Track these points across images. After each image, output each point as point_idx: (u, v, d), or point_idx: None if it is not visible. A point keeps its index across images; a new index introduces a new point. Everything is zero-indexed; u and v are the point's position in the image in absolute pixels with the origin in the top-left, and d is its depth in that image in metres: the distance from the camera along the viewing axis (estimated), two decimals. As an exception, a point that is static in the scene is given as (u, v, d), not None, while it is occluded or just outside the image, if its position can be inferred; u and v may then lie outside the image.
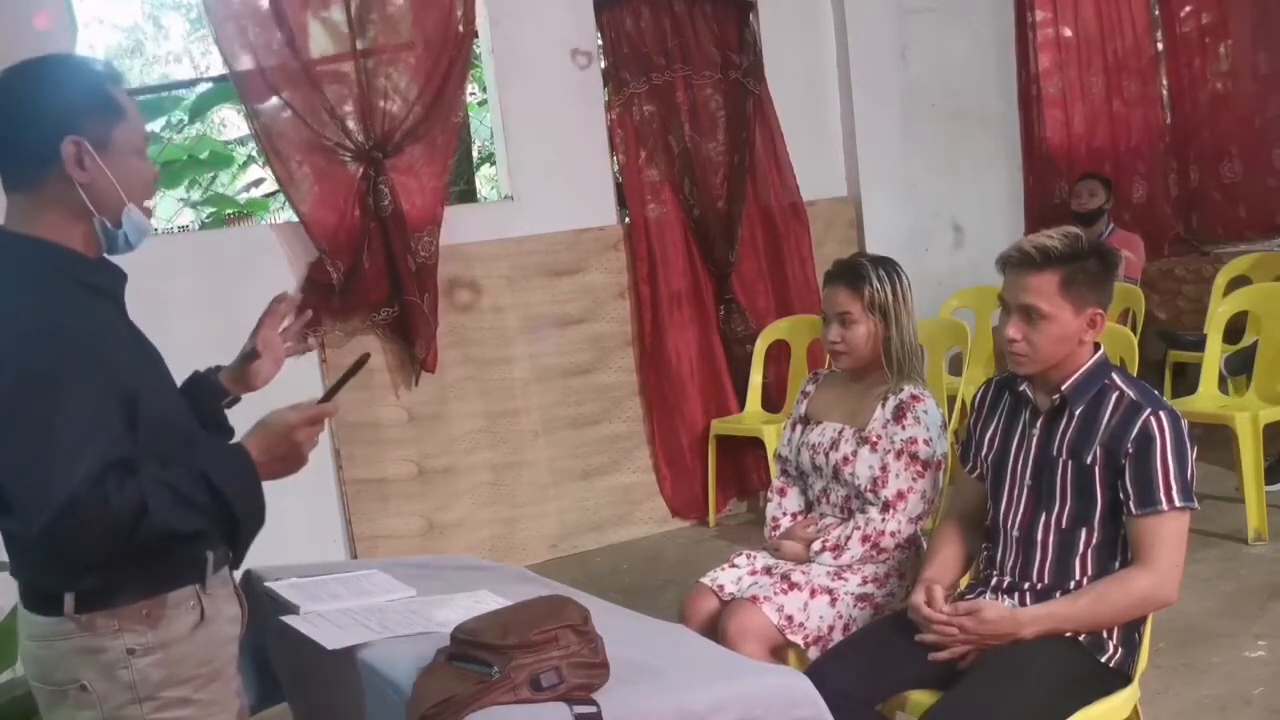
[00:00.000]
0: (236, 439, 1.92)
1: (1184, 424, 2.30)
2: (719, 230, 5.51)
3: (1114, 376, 2.39)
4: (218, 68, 4.79)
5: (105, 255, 1.86)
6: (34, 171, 1.77)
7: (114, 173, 1.78)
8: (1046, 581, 2.39)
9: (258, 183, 10.27)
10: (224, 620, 1.93)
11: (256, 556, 2.02)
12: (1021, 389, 2.47)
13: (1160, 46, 7.21)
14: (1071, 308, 2.33)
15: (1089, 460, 2.33)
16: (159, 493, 1.68)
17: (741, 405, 5.57)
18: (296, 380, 4.47)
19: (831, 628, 2.72)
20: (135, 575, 1.77)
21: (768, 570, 2.89)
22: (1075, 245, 2.34)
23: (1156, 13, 7.15)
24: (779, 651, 2.70)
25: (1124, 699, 2.34)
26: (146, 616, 1.79)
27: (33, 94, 1.78)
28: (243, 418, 2.04)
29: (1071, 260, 2.33)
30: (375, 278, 4.72)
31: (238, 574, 2.03)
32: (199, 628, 1.85)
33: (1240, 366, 5.03)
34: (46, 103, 1.77)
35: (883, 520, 2.77)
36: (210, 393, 2.19)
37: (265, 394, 2.08)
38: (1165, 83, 7.23)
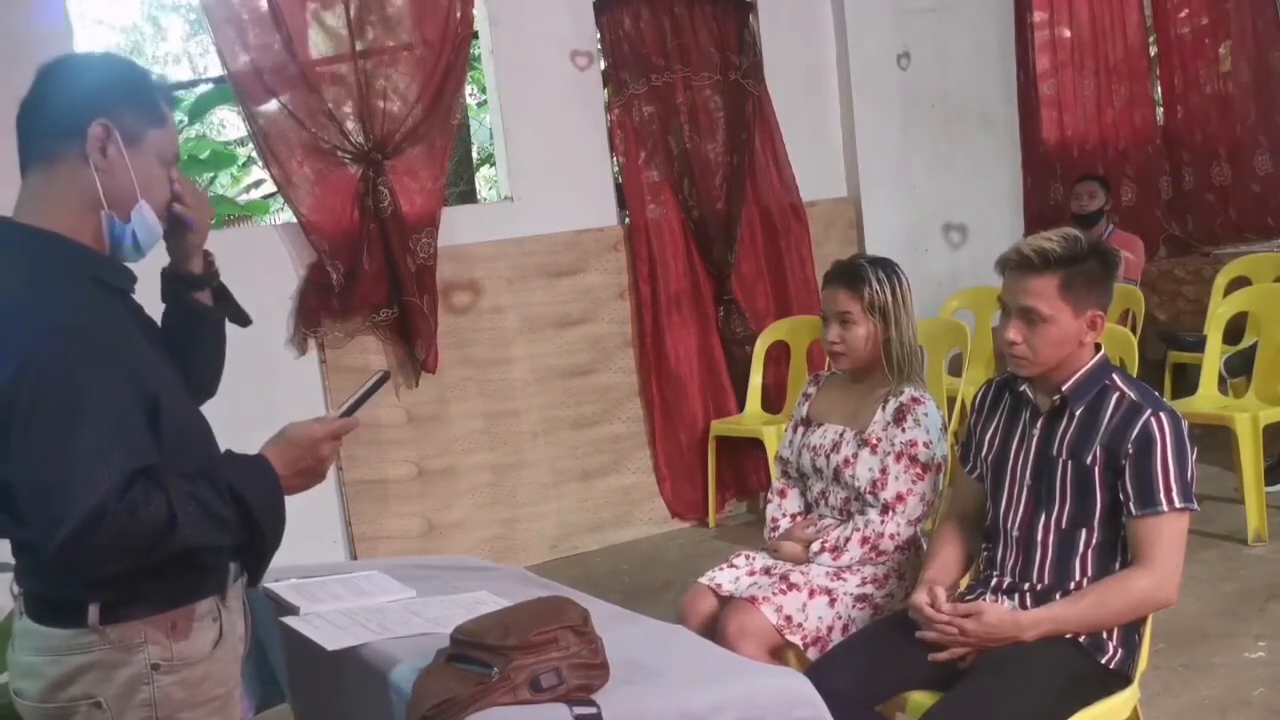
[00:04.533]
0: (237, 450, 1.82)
1: (1184, 425, 2.30)
2: (718, 231, 5.51)
3: (1114, 377, 2.39)
4: (216, 69, 4.79)
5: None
6: (54, 145, 1.71)
7: (135, 169, 1.73)
8: (1046, 582, 2.39)
9: (257, 184, 10.29)
10: (236, 638, 1.87)
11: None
12: (1021, 389, 2.47)
13: (1154, 51, 7.23)
14: (1071, 310, 2.33)
15: (1089, 461, 2.33)
16: (186, 505, 1.61)
17: (741, 406, 5.56)
18: (296, 382, 4.51)
19: (830, 628, 2.71)
20: (162, 584, 1.70)
21: (766, 571, 2.89)
22: (1074, 247, 2.34)
23: (1150, 16, 7.16)
24: (779, 652, 2.70)
25: (1124, 700, 2.34)
26: (173, 629, 1.72)
27: (81, 71, 1.76)
28: (245, 424, 2.00)
29: (1071, 262, 2.32)
30: (375, 278, 4.72)
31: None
32: (218, 645, 1.79)
33: (1240, 367, 5.03)
34: (90, 81, 1.74)
35: (882, 522, 2.77)
36: (179, 287, 1.97)
37: (268, 401, 2.06)
38: (1159, 86, 7.26)
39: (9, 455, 1.59)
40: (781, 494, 3.06)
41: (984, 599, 2.42)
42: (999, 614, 2.31)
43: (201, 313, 1.98)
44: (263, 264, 4.61)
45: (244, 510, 1.68)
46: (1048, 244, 2.33)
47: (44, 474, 1.56)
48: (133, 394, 1.64)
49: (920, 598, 2.39)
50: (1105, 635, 2.32)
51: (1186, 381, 5.49)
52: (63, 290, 1.65)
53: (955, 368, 5.36)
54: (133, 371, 1.66)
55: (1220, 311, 4.91)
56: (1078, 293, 2.33)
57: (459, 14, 4.84)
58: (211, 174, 10.03)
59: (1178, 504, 2.25)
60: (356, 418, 1.88)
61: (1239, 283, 5.49)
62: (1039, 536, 2.40)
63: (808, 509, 3.02)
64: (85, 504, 1.53)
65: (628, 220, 5.46)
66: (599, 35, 5.37)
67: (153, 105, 1.77)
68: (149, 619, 1.70)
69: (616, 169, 5.50)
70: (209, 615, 1.79)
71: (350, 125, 4.69)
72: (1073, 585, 2.36)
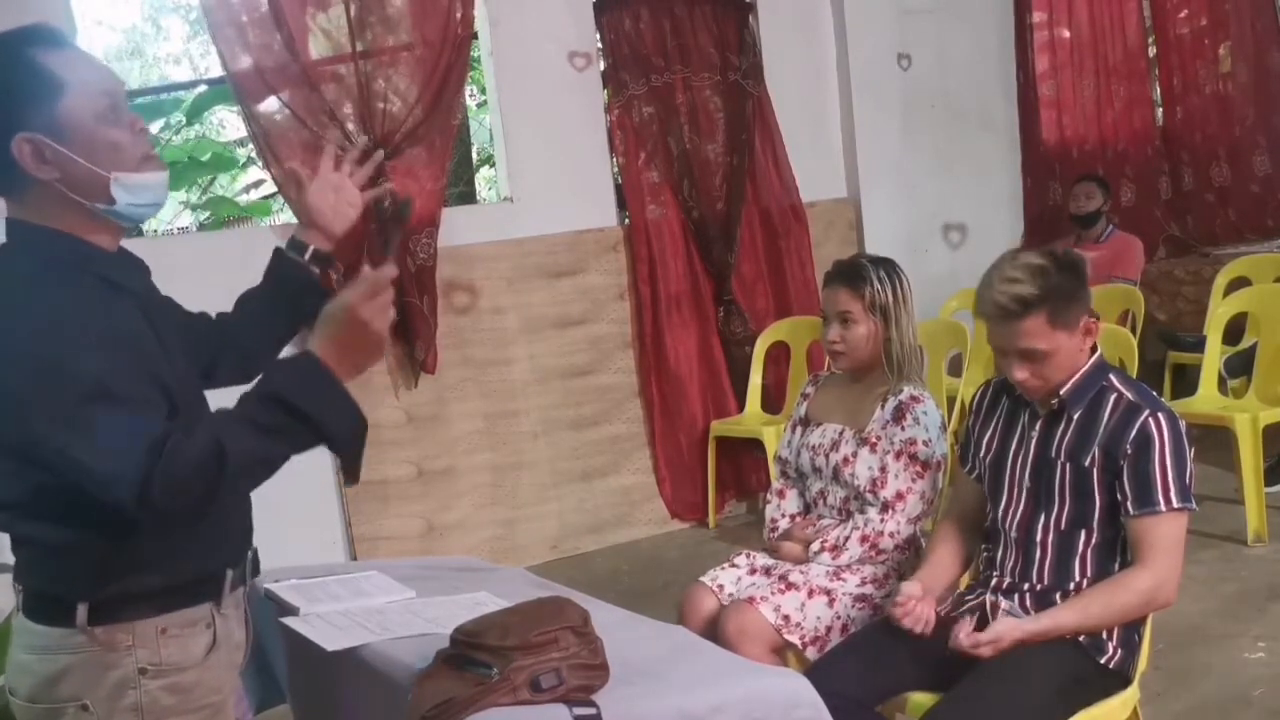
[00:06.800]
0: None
1: (1182, 425, 2.31)
2: (718, 231, 5.51)
3: (1112, 378, 2.39)
4: (217, 69, 4.79)
5: (126, 237, 1.76)
6: (7, 183, 1.63)
7: (80, 153, 1.61)
8: (1046, 582, 2.39)
9: (257, 184, 10.28)
10: (231, 646, 1.84)
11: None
12: (1019, 391, 2.47)
13: (1153, 52, 7.23)
14: (1066, 333, 2.33)
15: (1087, 462, 2.33)
16: (229, 427, 1.57)
17: (741, 406, 5.57)
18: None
19: (829, 628, 2.71)
20: (153, 588, 1.68)
21: (766, 570, 2.89)
22: (1044, 278, 2.29)
23: (1149, 17, 7.16)
24: (779, 653, 2.70)
25: (1123, 700, 2.34)
26: (163, 633, 1.70)
27: None
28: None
29: (1049, 296, 2.30)
30: (375, 279, 4.71)
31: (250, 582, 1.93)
32: (211, 653, 1.77)
33: (1240, 368, 5.02)
34: None
35: (881, 521, 2.77)
36: (293, 265, 2.23)
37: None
38: (1158, 86, 7.26)
39: (27, 451, 1.57)
40: (780, 494, 3.06)
41: (984, 599, 2.42)
42: (1012, 638, 2.27)
43: (317, 284, 2.25)
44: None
45: (292, 410, 1.59)
46: (1020, 287, 2.29)
47: (86, 455, 1.52)
48: (144, 377, 1.61)
49: (909, 588, 2.40)
50: (1105, 635, 2.32)
51: (1186, 382, 5.49)
52: (66, 287, 1.62)
53: (955, 368, 5.36)
54: (142, 361, 1.63)
55: (1220, 312, 4.91)
56: (1065, 315, 2.32)
57: (459, 14, 4.84)
58: (211, 175, 10.02)
59: (1176, 504, 2.25)
60: (391, 266, 1.72)
61: (1239, 283, 5.49)
62: (1038, 537, 2.40)
63: (807, 509, 3.02)
64: (130, 463, 1.50)
65: (628, 221, 5.46)
66: (599, 36, 5.37)
67: (41, 80, 1.59)
68: (138, 622, 1.69)
69: (616, 169, 5.51)
70: (202, 622, 1.76)
71: (351, 126, 4.69)
72: (1072, 586, 2.36)
